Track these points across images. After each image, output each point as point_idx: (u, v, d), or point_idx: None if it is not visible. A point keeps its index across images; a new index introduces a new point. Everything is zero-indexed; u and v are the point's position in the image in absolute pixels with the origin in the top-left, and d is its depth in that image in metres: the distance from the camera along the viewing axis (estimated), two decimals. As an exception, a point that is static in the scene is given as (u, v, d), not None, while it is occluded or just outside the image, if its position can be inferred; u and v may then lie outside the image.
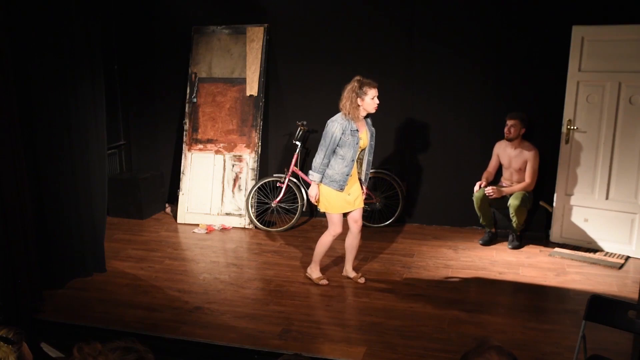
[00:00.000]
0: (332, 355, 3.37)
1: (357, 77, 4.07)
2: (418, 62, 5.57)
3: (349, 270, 4.53)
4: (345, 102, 4.04)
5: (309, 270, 4.51)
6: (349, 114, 4.03)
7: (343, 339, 3.59)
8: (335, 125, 4.03)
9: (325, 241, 4.35)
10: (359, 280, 4.46)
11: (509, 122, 5.00)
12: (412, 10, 5.50)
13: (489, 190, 4.96)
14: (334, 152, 4.08)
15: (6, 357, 1.77)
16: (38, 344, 2.73)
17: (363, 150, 4.23)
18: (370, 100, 4.04)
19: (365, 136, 4.16)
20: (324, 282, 4.43)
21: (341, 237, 4.39)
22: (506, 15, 5.26)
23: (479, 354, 1.51)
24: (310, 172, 4.18)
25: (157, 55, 6.37)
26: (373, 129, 4.26)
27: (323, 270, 4.59)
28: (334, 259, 4.92)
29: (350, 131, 4.03)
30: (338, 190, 4.13)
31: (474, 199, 5.09)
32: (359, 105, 4.03)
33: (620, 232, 4.95)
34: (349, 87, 4.05)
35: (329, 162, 4.10)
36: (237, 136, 5.99)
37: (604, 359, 2.72)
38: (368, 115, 4.19)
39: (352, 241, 4.41)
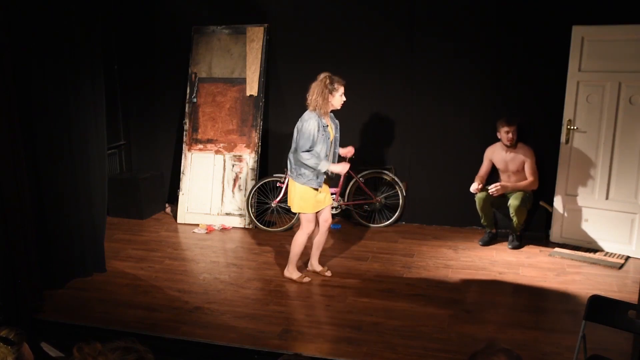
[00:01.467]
0: (332, 355, 3.37)
1: (327, 74, 4.14)
2: (418, 62, 5.57)
3: (314, 265, 4.58)
4: (316, 97, 4.10)
5: (286, 272, 4.50)
6: (320, 109, 4.09)
7: (343, 339, 3.59)
8: (312, 123, 4.08)
9: (300, 241, 4.38)
10: (326, 274, 4.54)
11: (510, 129, 4.96)
12: (412, 10, 5.50)
13: (492, 189, 4.93)
14: None
15: (5, 357, 1.77)
16: (38, 344, 2.73)
17: (331, 143, 4.30)
18: (339, 97, 4.14)
19: (331, 130, 4.25)
20: (307, 279, 4.44)
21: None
22: (506, 15, 5.25)
23: (488, 355, 1.52)
24: (319, 165, 4.09)
25: (157, 55, 6.37)
26: (337, 121, 4.36)
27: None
28: (329, 258, 4.93)
29: (322, 127, 4.11)
30: (315, 189, 4.18)
31: (477, 199, 5.09)
32: (328, 101, 4.10)
33: (620, 232, 4.95)
34: (319, 83, 4.11)
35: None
36: (237, 136, 5.99)
37: (604, 359, 2.72)
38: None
39: (321, 238, 4.49)
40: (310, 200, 4.22)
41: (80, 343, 1.51)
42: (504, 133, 4.99)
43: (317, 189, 4.19)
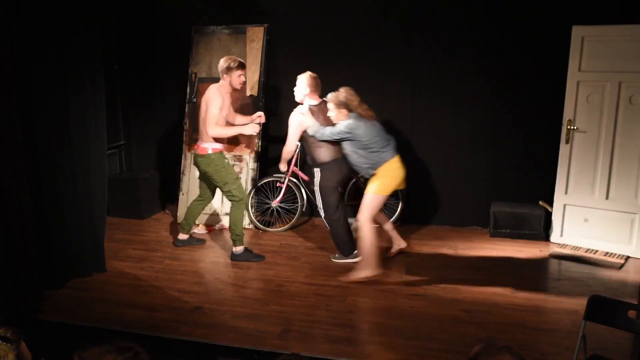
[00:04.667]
0: (332, 355, 3.37)
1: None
2: (418, 62, 5.57)
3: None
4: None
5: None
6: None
7: (343, 339, 3.59)
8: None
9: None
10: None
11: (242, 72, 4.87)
12: (412, 10, 5.50)
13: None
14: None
15: (5, 355, 1.78)
16: (35, 344, 2.71)
17: None
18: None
19: None
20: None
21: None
22: (506, 16, 5.25)
23: (491, 354, 1.50)
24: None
25: (157, 55, 6.37)
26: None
27: (324, 269, 4.60)
28: (329, 259, 4.93)
29: None
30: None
31: None
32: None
33: (620, 232, 4.94)
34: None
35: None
36: (237, 136, 5.96)
37: (604, 359, 2.73)
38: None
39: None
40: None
41: (78, 350, 1.52)
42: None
43: None
